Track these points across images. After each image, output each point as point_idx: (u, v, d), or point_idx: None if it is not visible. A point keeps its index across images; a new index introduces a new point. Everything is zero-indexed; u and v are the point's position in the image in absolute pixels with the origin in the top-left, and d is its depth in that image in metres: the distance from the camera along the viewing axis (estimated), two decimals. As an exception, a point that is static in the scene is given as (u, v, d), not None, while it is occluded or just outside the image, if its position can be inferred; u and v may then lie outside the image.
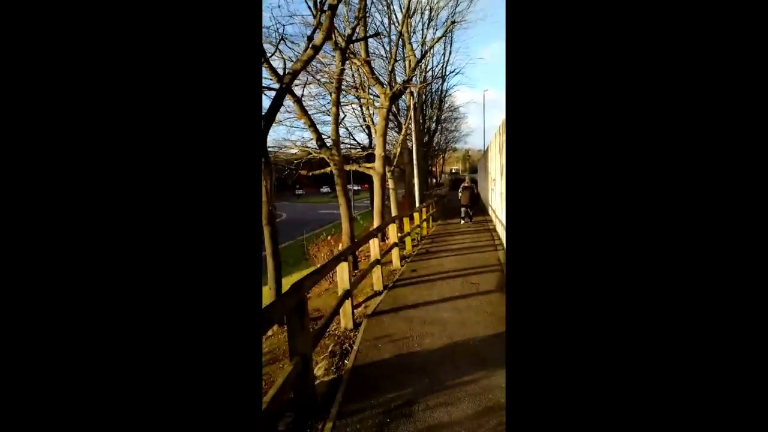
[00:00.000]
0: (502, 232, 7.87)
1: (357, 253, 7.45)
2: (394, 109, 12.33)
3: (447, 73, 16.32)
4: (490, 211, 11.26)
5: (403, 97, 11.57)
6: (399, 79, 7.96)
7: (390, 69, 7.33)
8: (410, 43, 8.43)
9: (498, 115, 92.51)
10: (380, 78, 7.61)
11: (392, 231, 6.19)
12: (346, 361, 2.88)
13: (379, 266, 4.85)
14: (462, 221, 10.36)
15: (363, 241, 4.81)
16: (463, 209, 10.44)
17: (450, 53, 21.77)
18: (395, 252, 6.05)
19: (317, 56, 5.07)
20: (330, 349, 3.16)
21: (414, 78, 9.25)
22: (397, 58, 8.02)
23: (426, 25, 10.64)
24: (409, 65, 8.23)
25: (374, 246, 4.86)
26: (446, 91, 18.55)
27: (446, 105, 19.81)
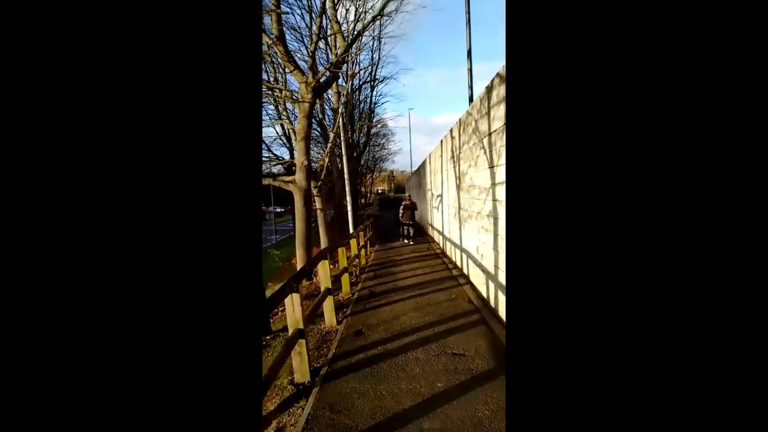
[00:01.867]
0: (453, 255, 6.52)
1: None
2: (318, 114, 10.46)
3: (377, 79, 15.05)
4: (430, 231, 10.12)
5: (330, 95, 9.77)
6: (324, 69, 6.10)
7: (312, 50, 5.43)
8: (337, 22, 6.64)
9: (421, 137, 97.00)
10: (300, 64, 5.72)
11: (323, 271, 4.16)
12: None
13: (304, 341, 2.84)
14: (405, 241, 9.67)
15: (273, 303, 2.73)
16: (405, 228, 9.74)
17: (380, 58, 20.57)
18: (328, 304, 4.06)
19: None
20: None
21: (342, 73, 7.48)
22: (322, 35, 6.18)
23: (355, 19, 9.05)
24: (336, 53, 6.44)
25: (294, 307, 2.85)
26: (375, 103, 17.28)
27: (375, 118, 18.52)
